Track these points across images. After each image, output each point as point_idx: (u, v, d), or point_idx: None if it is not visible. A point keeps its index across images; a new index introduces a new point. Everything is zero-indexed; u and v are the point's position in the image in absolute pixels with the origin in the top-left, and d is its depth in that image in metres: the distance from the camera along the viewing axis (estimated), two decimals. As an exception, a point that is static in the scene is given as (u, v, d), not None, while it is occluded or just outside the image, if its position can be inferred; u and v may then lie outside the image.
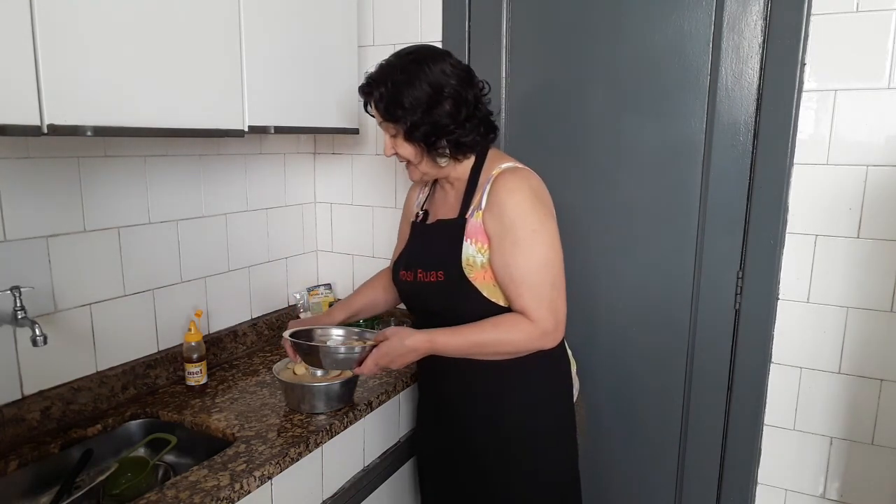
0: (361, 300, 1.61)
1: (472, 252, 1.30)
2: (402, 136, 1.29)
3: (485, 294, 1.30)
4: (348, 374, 1.49)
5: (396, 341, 1.29)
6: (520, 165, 1.36)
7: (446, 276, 1.30)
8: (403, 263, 1.42)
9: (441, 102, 1.26)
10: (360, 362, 1.32)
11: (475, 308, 1.30)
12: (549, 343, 1.29)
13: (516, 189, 1.28)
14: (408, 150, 1.31)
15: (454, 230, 1.32)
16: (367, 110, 1.36)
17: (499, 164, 1.34)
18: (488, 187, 1.30)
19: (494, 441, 1.39)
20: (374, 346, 1.31)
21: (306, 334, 1.46)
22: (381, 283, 1.62)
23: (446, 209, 1.40)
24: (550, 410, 1.41)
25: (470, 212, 1.32)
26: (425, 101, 1.25)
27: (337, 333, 1.50)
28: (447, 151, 1.31)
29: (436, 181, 1.46)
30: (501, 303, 1.31)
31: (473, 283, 1.30)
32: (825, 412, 1.57)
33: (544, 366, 1.38)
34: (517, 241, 1.25)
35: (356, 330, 1.51)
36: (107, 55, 1.10)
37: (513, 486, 1.39)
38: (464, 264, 1.30)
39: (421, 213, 1.48)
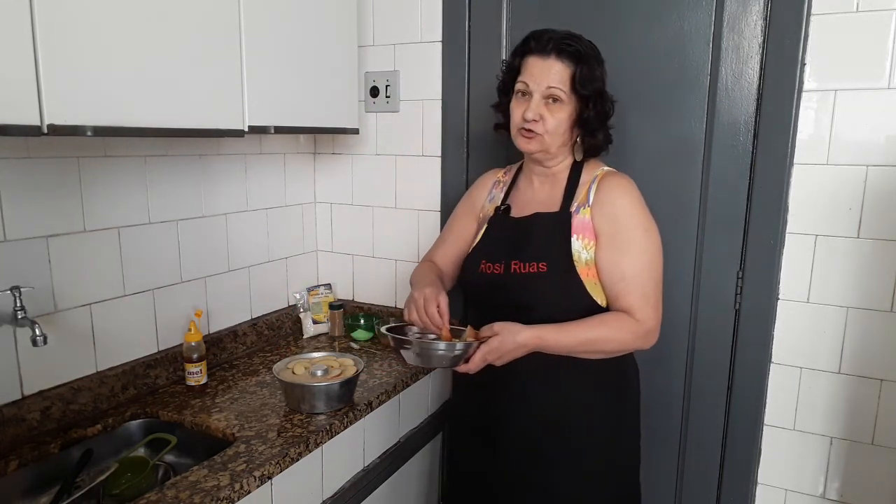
0: (436, 270, 1.49)
1: (578, 248, 1.29)
2: (573, 112, 1.29)
3: (587, 289, 1.29)
4: (349, 373, 1.49)
5: (508, 337, 1.22)
6: (617, 171, 1.39)
7: (549, 267, 1.27)
8: (485, 255, 1.37)
9: (609, 98, 1.32)
10: (467, 359, 1.23)
11: (574, 302, 1.28)
12: (650, 342, 1.29)
13: (629, 190, 1.31)
14: (562, 126, 1.29)
15: (560, 223, 1.31)
16: (517, 62, 1.32)
17: (600, 165, 1.38)
18: (594, 186, 1.32)
19: (556, 443, 1.34)
20: (480, 343, 1.24)
21: (400, 330, 1.36)
22: (431, 268, 1.52)
23: (538, 204, 1.38)
24: (616, 415, 1.39)
25: (574, 207, 1.31)
26: (602, 84, 1.29)
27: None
28: (598, 141, 1.34)
29: (517, 176, 1.47)
30: (600, 301, 1.30)
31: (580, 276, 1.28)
32: (825, 412, 1.57)
33: (613, 368, 1.36)
34: (630, 240, 1.27)
35: (457, 329, 1.39)
36: (107, 55, 1.10)
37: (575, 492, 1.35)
38: (572, 258, 1.29)
39: (502, 206, 1.44)
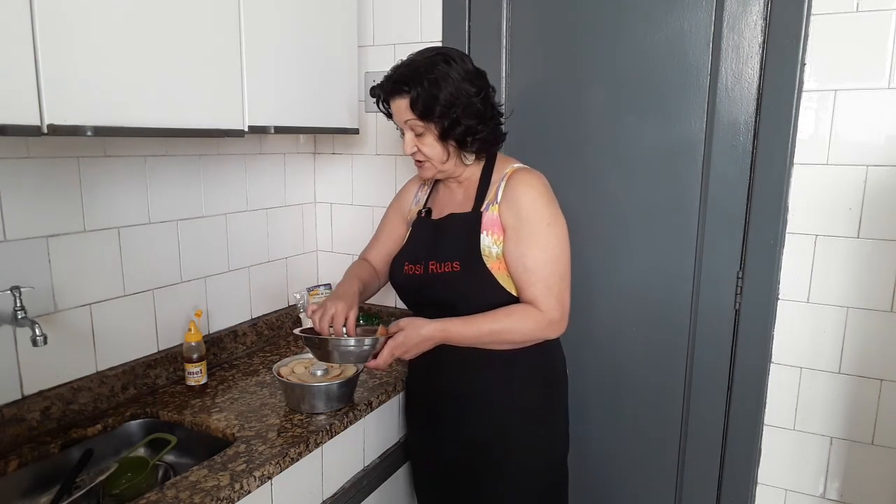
0: (360, 277, 1.55)
1: (488, 243, 1.33)
2: (435, 135, 1.31)
3: (500, 283, 1.33)
4: (349, 373, 1.49)
5: (412, 331, 1.31)
6: (528, 167, 1.41)
7: (462, 265, 1.33)
8: (408, 257, 1.43)
9: (472, 101, 1.29)
10: (376, 355, 1.31)
11: (490, 296, 1.33)
12: (555, 332, 1.34)
13: (533, 185, 1.34)
14: (435, 149, 1.33)
15: (470, 223, 1.36)
16: (380, 108, 1.37)
17: (510, 163, 1.41)
18: (503, 183, 1.36)
19: (486, 432, 1.41)
20: (388, 338, 1.31)
21: (313, 329, 1.43)
22: (363, 268, 1.59)
23: (454, 205, 1.43)
24: (545, 403, 1.45)
25: (485, 206, 1.36)
26: (462, 99, 1.28)
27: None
28: (474, 149, 1.35)
29: (438, 180, 1.48)
30: (514, 292, 1.34)
31: (491, 271, 1.33)
32: (825, 412, 1.57)
33: (539, 358, 1.41)
34: (532, 233, 1.30)
35: (369, 328, 1.48)
36: (107, 55, 1.10)
37: (505, 476, 1.42)
38: (481, 255, 1.33)
39: (423, 210, 1.49)
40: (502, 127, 1.40)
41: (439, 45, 1.85)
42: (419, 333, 1.30)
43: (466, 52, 1.81)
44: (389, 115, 1.37)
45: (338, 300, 1.35)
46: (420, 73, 1.27)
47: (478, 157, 1.38)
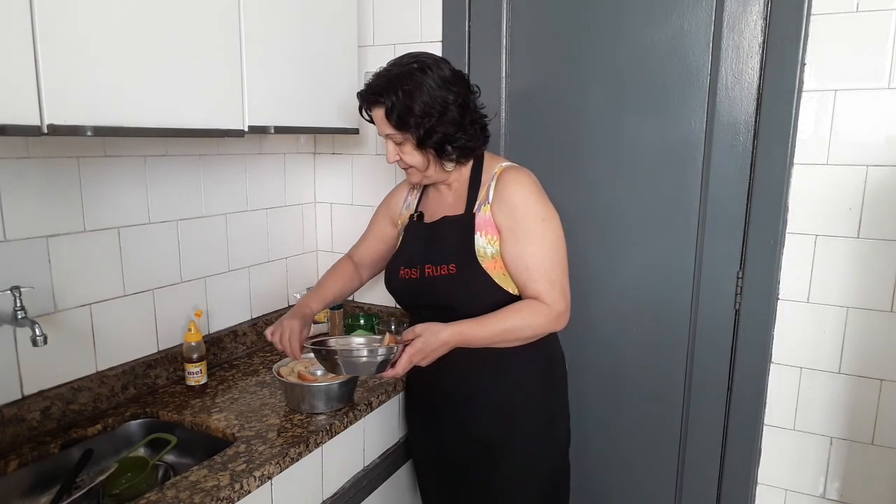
0: (332, 289, 1.60)
1: (483, 244, 1.34)
2: (413, 144, 1.31)
3: (497, 282, 1.34)
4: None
5: (431, 337, 1.29)
6: (516, 165, 1.42)
7: (458, 267, 1.34)
8: (404, 262, 1.44)
9: (449, 109, 1.29)
10: (394, 364, 1.28)
11: (487, 296, 1.34)
12: (561, 324, 1.35)
13: (524, 183, 1.35)
14: (416, 157, 1.34)
15: (464, 225, 1.37)
16: (363, 115, 1.38)
17: (498, 162, 1.42)
18: (493, 183, 1.37)
19: (486, 430, 1.43)
20: (405, 346, 1.28)
21: (323, 342, 1.43)
22: (343, 273, 1.63)
23: (446, 207, 1.44)
24: (545, 399, 1.46)
25: (476, 206, 1.37)
26: (437, 108, 1.28)
27: (358, 342, 1.48)
28: (454, 157, 1.35)
29: (427, 184, 1.49)
30: (510, 290, 1.35)
31: (486, 271, 1.34)
32: (825, 412, 1.57)
33: (538, 354, 1.42)
34: (529, 231, 1.32)
35: (377, 337, 1.49)
36: (107, 55, 1.10)
37: (508, 472, 1.43)
38: (476, 256, 1.34)
39: (415, 214, 1.50)
40: (487, 129, 1.40)
41: (437, 45, 1.86)
42: (438, 339, 1.28)
43: (467, 53, 1.83)
44: (372, 121, 1.37)
45: (294, 318, 1.42)
46: (395, 84, 1.28)
47: (459, 163, 1.38)
